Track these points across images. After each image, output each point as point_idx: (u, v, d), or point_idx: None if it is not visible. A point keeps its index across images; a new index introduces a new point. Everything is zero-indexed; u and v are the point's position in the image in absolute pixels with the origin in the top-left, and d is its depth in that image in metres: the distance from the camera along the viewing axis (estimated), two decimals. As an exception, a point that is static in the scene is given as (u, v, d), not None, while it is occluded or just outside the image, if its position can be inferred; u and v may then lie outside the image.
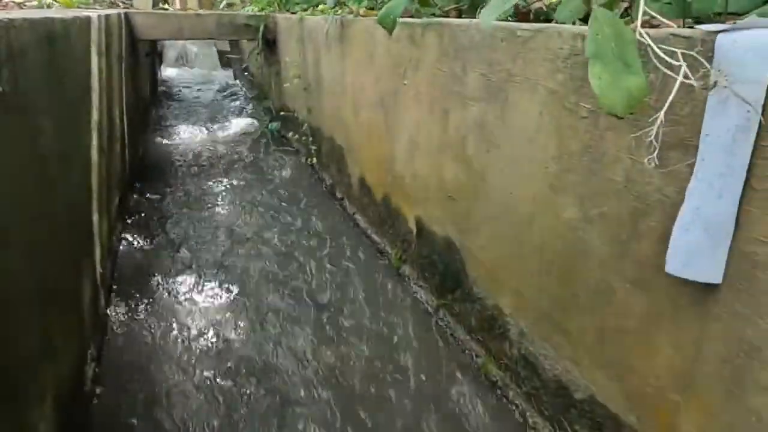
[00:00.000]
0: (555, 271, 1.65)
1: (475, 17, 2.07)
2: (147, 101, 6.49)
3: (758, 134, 0.98)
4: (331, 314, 2.59)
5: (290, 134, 5.38)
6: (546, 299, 1.72)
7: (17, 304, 1.35)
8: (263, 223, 3.64)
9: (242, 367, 2.19)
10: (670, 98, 0.99)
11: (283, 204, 3.98)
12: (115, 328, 2.39)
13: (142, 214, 3.73)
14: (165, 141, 5.78)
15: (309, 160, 4.67)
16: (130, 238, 3.31)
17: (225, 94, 8.30)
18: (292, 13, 4.85)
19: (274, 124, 5.81)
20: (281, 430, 1.88)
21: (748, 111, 0.97)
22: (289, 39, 4.92)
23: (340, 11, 3.54)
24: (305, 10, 4.48)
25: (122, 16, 4.25)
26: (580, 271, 1.53)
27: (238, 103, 7.66)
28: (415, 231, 2.70)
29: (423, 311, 2.59)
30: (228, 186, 4.38)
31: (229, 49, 10.09)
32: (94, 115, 2.70)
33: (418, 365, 2.23)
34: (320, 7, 4.16)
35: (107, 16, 3.25)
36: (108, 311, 2.48)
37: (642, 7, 1.12)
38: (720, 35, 1.02)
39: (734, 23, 1.02)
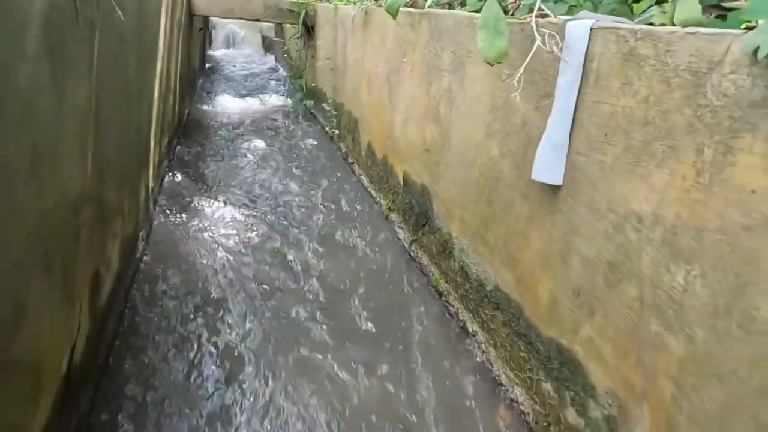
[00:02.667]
0: (484, 197, 2.24)
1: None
2: (196, 72, 7.27)
3: (580, 86, 1.57)
4: (327, 246, 3.22)
5: (318, 109, 6.06)
6: (478, 220, 2.31)
7: (110, 176, 2.01)
8: (282, 176, 4.29)
9: (245, 264, 2.85)
10: (529, 56, 1.58)
11: (302, 165, 4.63)
12: (158, 224, 3.08)
13: (184, 158, 4.45)
14: (208, 107, 6.53)
15: (331, 131, 5.33)
16: (173, 173, 4.02)
17: (265, 73, 9.05)
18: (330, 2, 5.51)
19: (307, 101, 6.49)
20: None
21: (570, 73, 1.56)
22: (324, 25, 5.59)
23: (367, 1, 4.17)
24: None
25: (185, -8, 4.98)
26: (497, 195, 2.12)
27: (276, 81, 8.39)
28: (402, 183, 3.31)
29: (400, 246, 3.20)
30: (257, 147, 5.06)
31: (273, 34, 10.85)
32: (158, 66, 3.40)
33: (388, 282, 2.84)
34: (353, -3, 4.81)
35: (175, -11, 3.96)
36: (154, 214, 3.17)
37: (538, 3, 1.72)
38: (568, 22, 1.60)
39: (576, 15, 1.61)
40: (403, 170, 3.29)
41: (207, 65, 9.40)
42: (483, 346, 2.23)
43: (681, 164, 1.24)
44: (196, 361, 2.09)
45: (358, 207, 3.77)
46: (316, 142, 5.31)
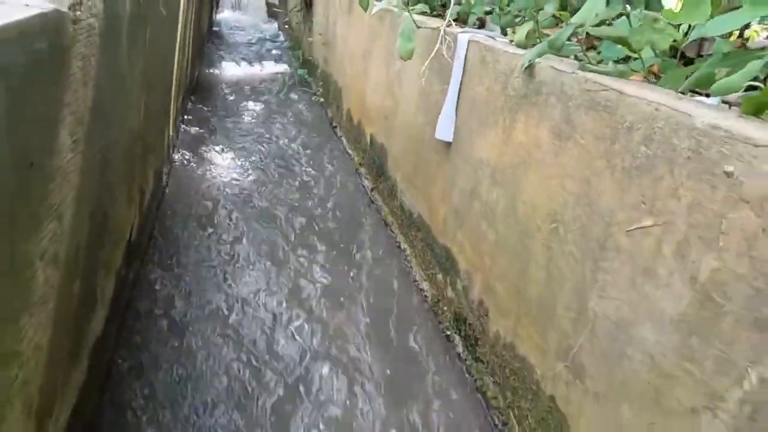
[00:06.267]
0: (415, 152, 3.12)
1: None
2: (204, 38, 8.01)
3: (462, 78, 2.42)
4: (307, 188, 4.12)
5: (311, 78, 6.86)
6: (411, 169, 3.19)
7: (150, 122, 2.88)
8: (276, 133, 5.15)
9: (241, 193, 3.76)
10: (431, 56, 2.44)
11: (294, 125, 5.49)
12: (175, 164, 3.98)
13: (194, 115, 5.30)
14: (214, 71, 7.32)
15: (320, 98, 6.15)
16: (186, 126, 4.88)
17: (267, 41, 9.77)
18: (325, -17, 6.25)
19: (302, 70, 7.28)
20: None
21: (457, 68, 2.42)
22: (320, 2, 6.34)
23: (352, -10, 4.94)
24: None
25: (198, -31, 5.73)
26: (421, 151, 3.00)
27: (276, 50, 9.12)
28: (369, 143, 4.18)
29: (364, 192, 4.10)
30: (256, 108, 5.90)
31: (277, 2, 11.48)
32: (178, 37, 4.22)
33: (349, 214, 3.75)
34: (343, -17, 5.56)
35: (192, -28, 4.74)
36: (173, 156, 4.07)
37: (448, 18, 2.56)
38: (459, 34, 2.45)
39: (465, 29, 2.46)
40: (370, 132, 4.16)
41: (214, 29, 10.09)
42: (408, 257, 3.15)
43: (498, 129, 2.12)
44: (205, 240, 3.04)
45: (335, 162, 4.65)
46: (308, 107, 6.14)
